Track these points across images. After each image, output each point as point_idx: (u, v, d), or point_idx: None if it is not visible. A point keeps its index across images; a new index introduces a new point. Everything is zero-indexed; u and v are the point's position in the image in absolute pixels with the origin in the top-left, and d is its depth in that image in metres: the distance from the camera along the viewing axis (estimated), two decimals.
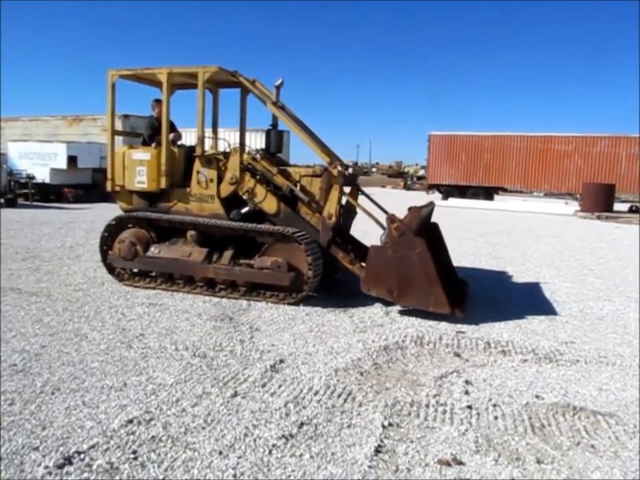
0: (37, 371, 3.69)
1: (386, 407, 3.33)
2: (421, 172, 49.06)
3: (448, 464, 2.71)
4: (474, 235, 12.76)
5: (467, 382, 3.79)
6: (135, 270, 6.33)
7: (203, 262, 5.85)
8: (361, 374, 3.89)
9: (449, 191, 27.37)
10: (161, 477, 2.50)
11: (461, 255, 9.02)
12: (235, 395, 3.42)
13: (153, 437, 2.85)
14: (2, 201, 15.70)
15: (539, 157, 26.04)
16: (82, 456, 2.63)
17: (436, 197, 26.35)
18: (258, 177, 5.97)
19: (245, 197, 6.00)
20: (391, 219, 5.27)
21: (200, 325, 4.88)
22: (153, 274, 6.31)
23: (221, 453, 2.72)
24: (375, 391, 3.59)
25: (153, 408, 3.19)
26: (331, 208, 5.65)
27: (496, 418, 3.26)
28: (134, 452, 2.69)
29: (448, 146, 27.99)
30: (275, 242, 5.73)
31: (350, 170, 6.11)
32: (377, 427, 3.06)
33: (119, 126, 15.87)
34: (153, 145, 6.29)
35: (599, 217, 19.32)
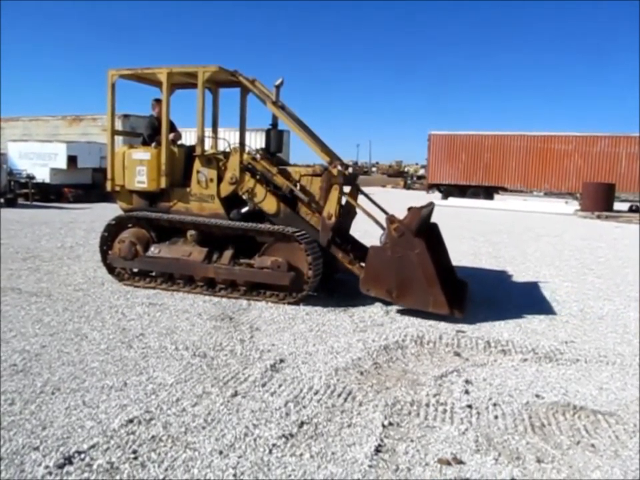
0: (37, 370, 3.69)
1: (386, 406, 3.33)
2: (421, 171, 49.09)
3: (448, 463, 2.72)
4: (474, 234, 12.77)
5: (467, 381, 3.79)
6: (135, 270, 6.33)
7: (203, 262, 5.85)
8: (361, 373, 3.89)
9: (449, 191, 27.37)
10: (161, 477, 2.50)
11: (461, 255, 9.02)
12: (235, 394, 3.42)
13: (153, 436, 2.85)
14: (2, 200, 15.70)
15: (539, 156, 26.05)
16: (82, 456, 2.63)
17: (436, 196, 26.38)
18: (258, 177, 5.97)
19: (244, 197, 6.00)
20: (391, 219, 5.27)
21: (200, 325, 4.88)
22: (153, 274, 6.31)
23: (221, 452, 2.72)
24: (375, 390, 3.59)
25: (153, 408, 3.19)
26: (330, 208, 5.65)
27: (496, 417, 3.26)
28: (134, 452, 2.69)
29: (448, 145, 28.00)
30: (275, 241, 5.73)
31: (350, 169, 6.11)
32: (377, 427, 3.06)
33: (118, 126, 15.88)
34: (153, 144, 6.29)
35: (599, 217, 19.31)
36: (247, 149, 6.28)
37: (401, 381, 3.78)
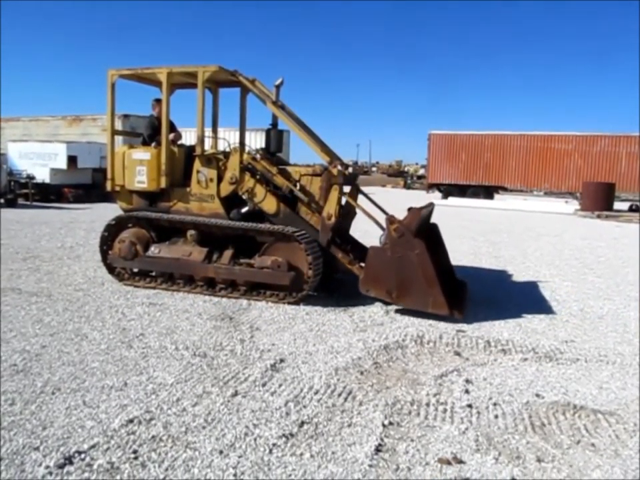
0: (38, 371, 3.69)
1: (386, 405, 3.34)
2: (421, 171, 49.09)
3: (448, 463, 2.72)
4: (474, 234, 12.77)
5: (467, 381, 3.79)
6: (135, 270, 6.33)
7: (203, 261, 5.85)
8: (362, 373, 3.89)
9: (449, 190, 27.36)
10: (161, 477, 2.50)
11: (461, 254, 9.02)
12: (236, 394, 3.42)
13: (153, 436, 2.85)
14: (2, 201, 15.70)
15: (539, 156, 26.05)
16: (82, 456, 2.63)
17: (436, 196, 26.38)
18: (258, 177, 5.97)
19: (244, 197, 6.00)
20: (390, 219, 5.27)
21: (200, 325, 4.88)
22: (153, 274, 6.31)
23: (221, 452, 2.72)
24: (375, 390, 3.59)
25: (154, 407, 3.19)
26: (330, 208, 5.64)
27: (496, 417, 3.26)
28: (134, 451, 2.69)
29: (448, 145, 27.99)
30: (275, 241, 5.73)
31: (350, 169, 6.11)
32: (378, 426, 3.06)
33: (118, 126, 15.87)
34: (153, 144, 6.29)
35: (599, 216, 19.31)
36: (247, 148, 6.28)
37: (401, 380, 3.78)
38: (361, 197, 6.42)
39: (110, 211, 8.76)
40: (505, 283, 7.33)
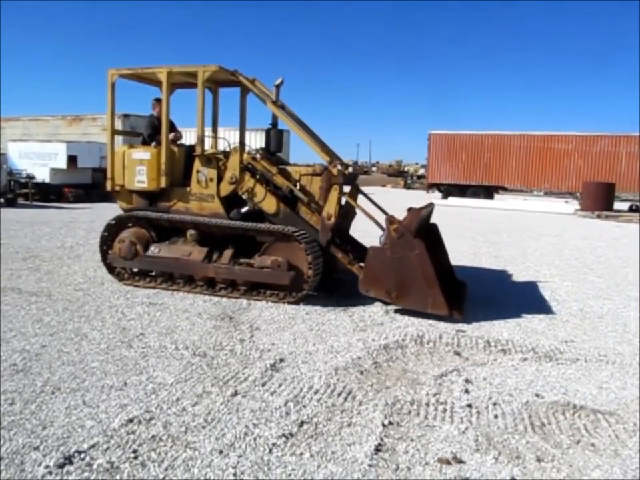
0: (37, 370, 3.69)
1: (386, 405, 3.34)
2: (421, 171, 49.08)
3: (448, 462, 2.72)
4: (474, 233, 12.77)
5: (467, 380, 3.79)
6: (135, 269, 6.33)
7: (203, 261, 5.86)
8: (361, 373, 3.89)
9: (449, 190, 27.37)
10: (161, 476, 2.50)
11: (461, 254, 9.03)
12: (235, 394, 3.43)
13: (153, 436, 2.85)
14: (2, 200, 15.70)
15: (539, 156, 26.06)
16: (82, 455, 2.64)
17: (436, 195, 26.39)
18: (258, 177, 5.97)
19: (244, 197, 6.00)
20: (390, 220, 5.26)
21: (200, 324, 4.88)
22: (153, 273, 6.31)
23: (221, 452, 2.72)
24: (375, 389, 3.60)
25: (153, 407, 3.19)
26: (330, 208, 5.64)
27: (496, 416, 3.26)
28: (134, 451, 2.69)
29: (448, 145, 28.00)
30: (275, 241, 5.73)
31: (350, 169, 6.11)
32: (377, 426, 3.06)
33: (118, 125, 15.88)
34: (153, 144, 6.29)
35: (599, 216, 19.31)
36: (246, 148, 6.28)
37: (401, 380, 3.78)
38: (360, 197, 6.42)
39: (110, 211, 8.76)
40: (504, 283, 7.33)
